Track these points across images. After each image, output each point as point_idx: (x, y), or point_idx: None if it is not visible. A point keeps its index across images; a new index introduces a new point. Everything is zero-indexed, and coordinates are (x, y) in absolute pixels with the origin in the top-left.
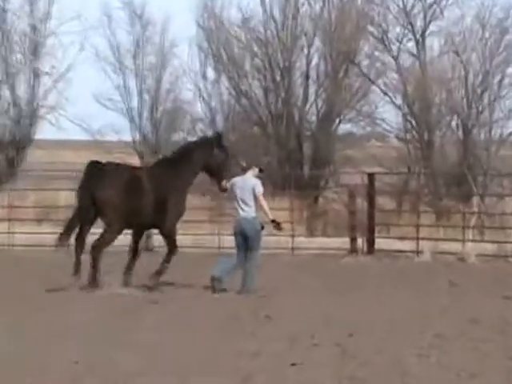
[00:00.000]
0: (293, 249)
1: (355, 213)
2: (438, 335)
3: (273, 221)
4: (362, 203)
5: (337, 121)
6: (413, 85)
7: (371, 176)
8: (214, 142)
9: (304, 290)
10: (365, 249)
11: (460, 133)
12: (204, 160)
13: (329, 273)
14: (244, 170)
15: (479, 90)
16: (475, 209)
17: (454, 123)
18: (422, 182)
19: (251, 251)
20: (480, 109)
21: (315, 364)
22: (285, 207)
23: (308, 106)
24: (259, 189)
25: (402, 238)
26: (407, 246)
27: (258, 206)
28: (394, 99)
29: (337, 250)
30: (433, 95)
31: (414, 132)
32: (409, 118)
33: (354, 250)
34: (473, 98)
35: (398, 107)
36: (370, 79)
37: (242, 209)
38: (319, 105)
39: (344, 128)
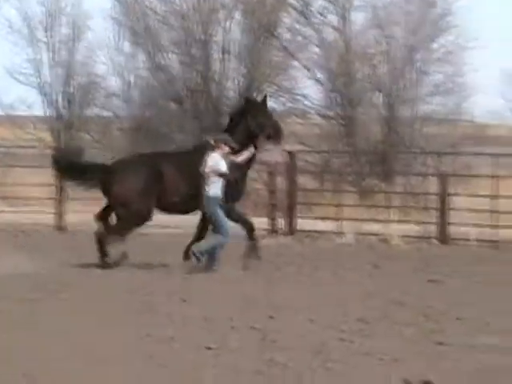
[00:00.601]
0: None
1: (275, 192)
2: (360, 319)
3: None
4: (282, 182)
5: (257, 96)
6: (335, 60)
7: (292, 154)
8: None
9: (221, 272)
10: (285, 229)
11: (383, 109)
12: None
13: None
14: (213, 148)
15: (403, 66)
16: (399, 188)
17: (377, 99)
18: (345, 160)
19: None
20: (404, 85)
21: (233, 348)
22: None
23: (227, 81)
24: (210, 166)
25: (323, 219)
26: (329, 226)
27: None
28: (315, 74)
29: (256, 230)
30: (356, 71)
31: (337, 109)
32: (331, 94)
33: (273, 230)
34: (397, 74)
35: (320, 83)
36: (290, 53)
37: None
38: (238, 80)
39: None
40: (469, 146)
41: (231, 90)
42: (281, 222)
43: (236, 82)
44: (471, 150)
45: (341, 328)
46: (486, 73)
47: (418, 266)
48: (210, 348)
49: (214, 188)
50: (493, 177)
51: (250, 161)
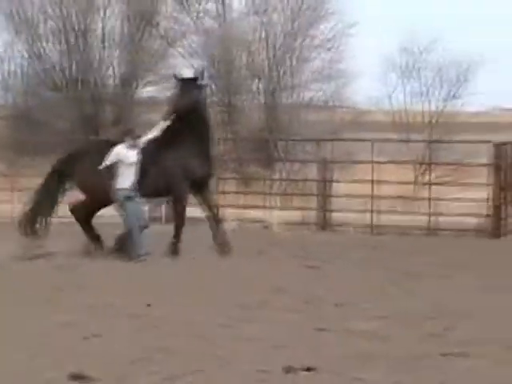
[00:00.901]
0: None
1: None
2: (242, 305)
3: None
4: None
5: (137, 84)
6: (215, 47)
7: None
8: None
9: (107, 258)
10: (168, 216)
11: (263, 96)
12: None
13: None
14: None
15: (282, 53)
16: (278, 175)
17: (257, 87)
18: (227, 147)
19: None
20: (283, 72)
21: (115, 335)
22: None
23: (106, 70)
24: (118, 158)
25: None
26: None
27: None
28: (195, 62)
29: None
30: (235, 58)
31: (218, 96)
32: (211, 81)
33: (155, 217)
34: (275, 61)
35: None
36: (169, 42)
37: None
38: (118, 68)
39: (145, 92)
40: (349, 132)
41: (111, 78)
42: (162, 209)
43: (115, 70)
44: (351, 136)
45: (223, 314)
46: (367, 59)
47: (298, 252)
48: (91, 335)
49: (123, 179)
50: (372, 162)
51: (203, 137)
